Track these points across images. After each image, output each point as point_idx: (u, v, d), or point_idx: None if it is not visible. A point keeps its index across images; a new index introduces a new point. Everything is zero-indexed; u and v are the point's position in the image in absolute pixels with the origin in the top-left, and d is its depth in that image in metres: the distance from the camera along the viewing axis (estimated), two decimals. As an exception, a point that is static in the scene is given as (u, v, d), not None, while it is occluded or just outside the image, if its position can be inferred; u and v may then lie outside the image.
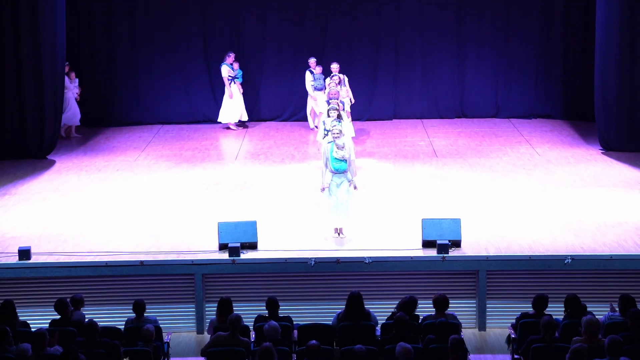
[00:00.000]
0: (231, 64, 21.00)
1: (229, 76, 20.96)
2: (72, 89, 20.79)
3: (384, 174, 17.62)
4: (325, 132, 15.97)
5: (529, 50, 21.99)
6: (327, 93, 18.49)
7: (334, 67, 19.92)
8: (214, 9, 21.95)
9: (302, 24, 22.13)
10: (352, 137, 17.02)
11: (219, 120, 21.36)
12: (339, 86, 18.86)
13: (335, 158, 13.64)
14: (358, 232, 14.00)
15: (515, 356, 11.09)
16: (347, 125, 17.93)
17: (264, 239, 13.66)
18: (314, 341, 9.81)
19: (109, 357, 9.73)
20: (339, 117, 15.81)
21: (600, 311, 11.69)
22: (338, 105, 16.77)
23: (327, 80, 19.54)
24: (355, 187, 13.80)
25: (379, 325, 11.27)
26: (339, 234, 13.89)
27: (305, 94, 21.49)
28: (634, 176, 17.05)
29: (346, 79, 19.74)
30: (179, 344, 12.69)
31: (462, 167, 17.96)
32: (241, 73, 21.17)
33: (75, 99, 20.95)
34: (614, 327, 10.58)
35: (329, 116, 15.74)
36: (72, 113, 20.95)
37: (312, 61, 20.79)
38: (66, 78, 20.52)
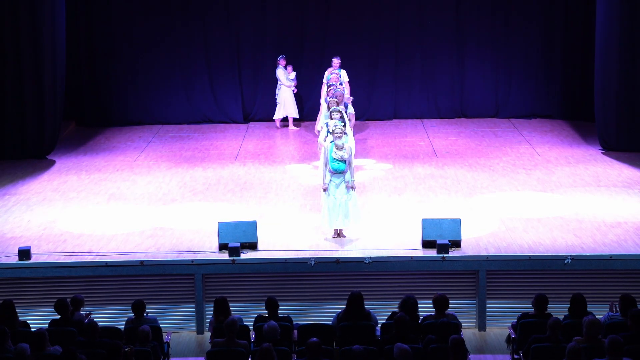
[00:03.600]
0: None
1: None
2: (287, 81, 20.79)
3: (383, 174, 17.62)
4: (328, 133, 15.94)
5: (529, 50, 21.99)
6: (327, 92, 18.44)
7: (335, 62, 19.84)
8: (214, 9, 21.95)
9: (302, 24, 22.14)
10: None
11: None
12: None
13: (334, 158, 13.63)
14: (358, 232, 14.00)
15: (515, 356, 11.09)
16: (348, 130, 17.83)
17: (263, 239, 13.67)
18: (314, 338, 9.81)
19: (110, 357, 9.72)
20: (342, 118, 15.81)
21: (600, 311, 11.69)
22: (337, 106, 16.75)
23: (326, 75, 19.49)
24: (353, 187, 13.78)
25: (379, 325, 11.28)
26: (339, 235, 13.88)
27: (303, 94, 21.58)
28: (633, 176, 17.06)
29: (345, 76, 19.59)
30: (179, 344, 12.70)
31: (462, 167, 17.96)
32: None
33: (293, 92, 21.07)
34: (614, 327, 10.58)
35: (331, 118, 15.74)
36: (288, 106, 21.06)
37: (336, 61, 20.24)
38: (283, 71, 20.41)
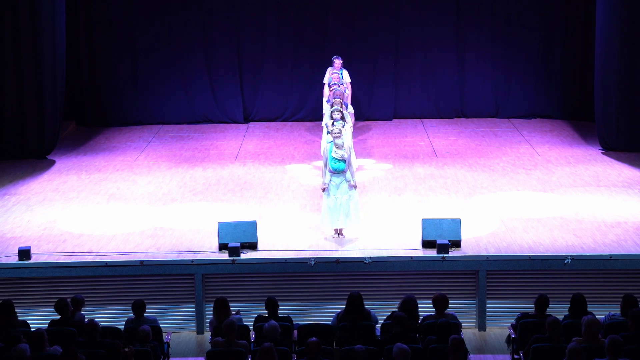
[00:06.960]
0: None
1: None
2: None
3: (383, 174, 17.62)
4: (328, 132, 15.99)
5: (529, 50, 21.98)
6: (331, 93, 18.39)
7: (337, 62, 19.19)
8: (214, 9, 21.95)
9: (302, 24, 22.12)
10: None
11: None
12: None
13: (334, 158, 13.64)
14: (358, 232, 14.00)
15: (515, 356, 11.09)
16: (347, 130, 17.82)
17: (263, 239, 13.67)
18: (314, 338, 9.81)
19: (110, 357, 9.72)
20: (342, 118, 15.86)
21: (600, 311, 11.69)
22: (341, 106, 16.76)
23: (327, 74, 19.41)
24: (355, 186, 13.78)
25: (379, 325, 11.28)
26: (338, 235, 13.89)
27: (303, 94, 21.59)
28: (633, 176, 17.06)
29: (347, 77, 19.49)
30: (179, 344, 12.70)
31: (462, 167, 17.96)
32: None
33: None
34: (614, 327, 10.58)
35: (331, 117, 15.79)
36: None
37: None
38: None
